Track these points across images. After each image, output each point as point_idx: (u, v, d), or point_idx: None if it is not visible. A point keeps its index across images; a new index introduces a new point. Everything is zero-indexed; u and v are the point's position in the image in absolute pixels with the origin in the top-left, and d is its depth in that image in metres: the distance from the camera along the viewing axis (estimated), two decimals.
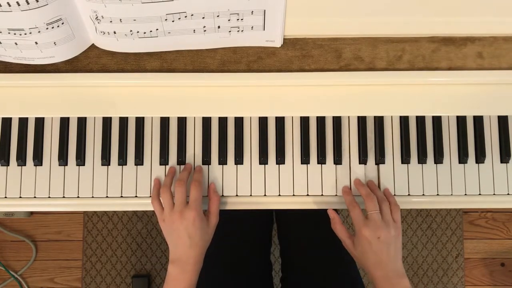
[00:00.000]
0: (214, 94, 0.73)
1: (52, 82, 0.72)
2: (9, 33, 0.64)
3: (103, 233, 1.56)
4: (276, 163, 0.76)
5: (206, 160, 0.75)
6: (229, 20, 0.66)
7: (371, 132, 0.77)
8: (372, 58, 0.72)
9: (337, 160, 0.76)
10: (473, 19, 0.70)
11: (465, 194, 0.76)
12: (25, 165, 0.76)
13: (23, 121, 0.76)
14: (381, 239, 0.67)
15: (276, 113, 0.75)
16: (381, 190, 0.75)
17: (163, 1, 0.61)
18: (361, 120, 0.76)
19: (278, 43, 0.72)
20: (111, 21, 0.64)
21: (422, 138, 0.76)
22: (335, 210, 0.76)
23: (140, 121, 0.76)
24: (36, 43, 0.66)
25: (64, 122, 0.76)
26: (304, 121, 0.77)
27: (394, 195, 0.75)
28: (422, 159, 0.76)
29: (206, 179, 0.76)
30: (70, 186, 0.75)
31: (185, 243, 0.68)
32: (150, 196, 0.75)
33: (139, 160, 0.75)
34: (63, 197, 0.75)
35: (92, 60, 0.72)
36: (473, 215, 1.57)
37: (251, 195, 0.75)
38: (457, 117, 0.77)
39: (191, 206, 0.68)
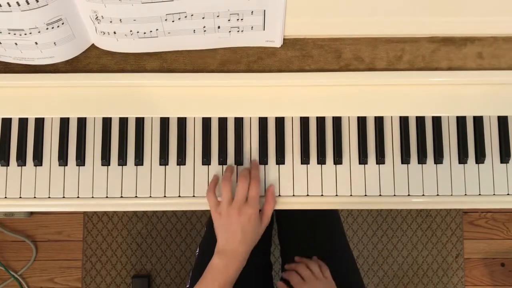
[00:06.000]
0: (214, 94, 0.73)
1: (52, 82, 0.72)
2: (9, 33, 0.64)
3: (103, 234, 1.56)
4: (276, 163, 0.76)
5: (206, 160, 0.75)
6: (229, 20, 0.66)
7: (371, 132, 0.77)
8: (372, 58, 0.72)
9: (337, 160, 0.76)
10: (473, 19, 0.70)
11: (465, 194, 0.75)
12: (25, 165, 0.76)
13: (23, 121, 0.76)
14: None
15: (276, 113, 0.75)
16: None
17: (163, 1, 0.61)
18: (361, 120, 0.76)
19: (278, 43, 0.72)
20: (111, 21, 0.64)
21: (422, 138, 0.76)
22: (337, 210, 0.75)
23: (140, 121, 0.76)
24: (36, 43, 0.66)
25: (64, 122, 0.76)
26: (304, 121, 0.77)
27: (394, 195, 0.75)
28: (422, 159, 0.76)
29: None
30: (70, 186, 0.75)
31: (237, 238, 0.69)
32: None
33: (139, 160, 0.75)
34: (63, 197, 0.75)
35: (92, 60, 0.72)
36: (473, 215, 1.57)
37: None
38: (457, 117, 0.77)
39: (251, 203, 0.70)
